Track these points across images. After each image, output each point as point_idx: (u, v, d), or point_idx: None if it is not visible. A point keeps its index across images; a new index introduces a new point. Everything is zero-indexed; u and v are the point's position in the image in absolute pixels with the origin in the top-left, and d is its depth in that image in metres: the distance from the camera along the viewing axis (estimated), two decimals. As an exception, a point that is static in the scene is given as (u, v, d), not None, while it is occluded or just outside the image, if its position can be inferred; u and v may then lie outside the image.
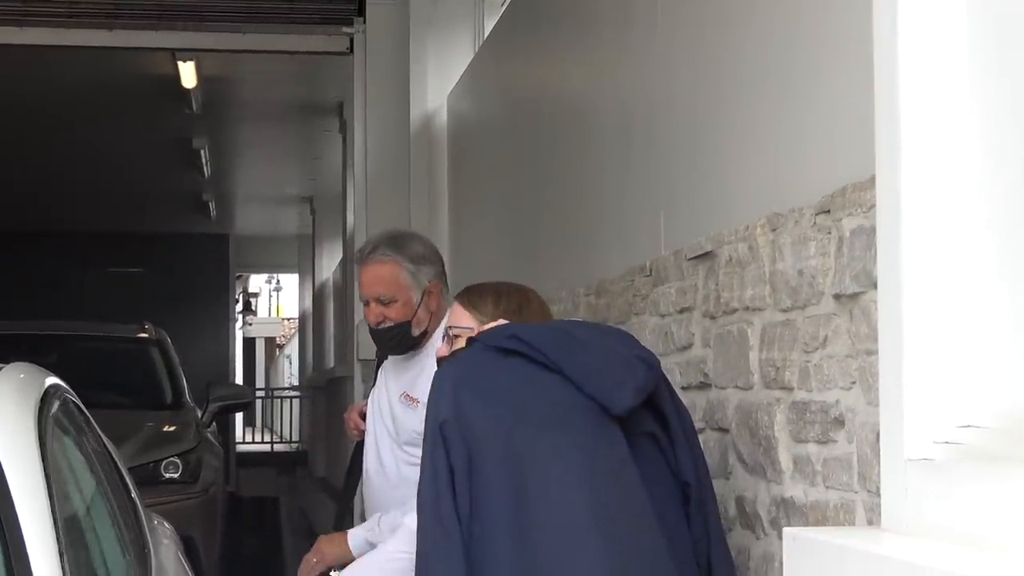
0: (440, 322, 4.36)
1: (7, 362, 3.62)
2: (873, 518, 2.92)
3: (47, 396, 3.52)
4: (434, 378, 3.34)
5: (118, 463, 4.41)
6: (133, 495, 4.39)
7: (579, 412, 3.22)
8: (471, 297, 3.72)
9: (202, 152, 17.24)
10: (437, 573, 3.14)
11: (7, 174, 18.56)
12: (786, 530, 2.56)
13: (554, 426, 3.20)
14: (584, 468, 3.17)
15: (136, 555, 3.73)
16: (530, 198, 6.94)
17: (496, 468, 3.16)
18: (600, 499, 3.15)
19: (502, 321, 3.55)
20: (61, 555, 2.78)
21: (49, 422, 3.37)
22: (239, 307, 32.65)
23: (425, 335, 4.44)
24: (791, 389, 3.43)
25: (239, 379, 29.44)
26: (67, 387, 3.97)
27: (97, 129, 15.99)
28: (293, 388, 31.95)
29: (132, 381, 10.25)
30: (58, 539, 2.81)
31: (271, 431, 30.36)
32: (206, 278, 24.39)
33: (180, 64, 12.80)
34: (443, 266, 4.54)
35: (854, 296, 3.08)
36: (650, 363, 3.33)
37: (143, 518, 4.27)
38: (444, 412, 3.20)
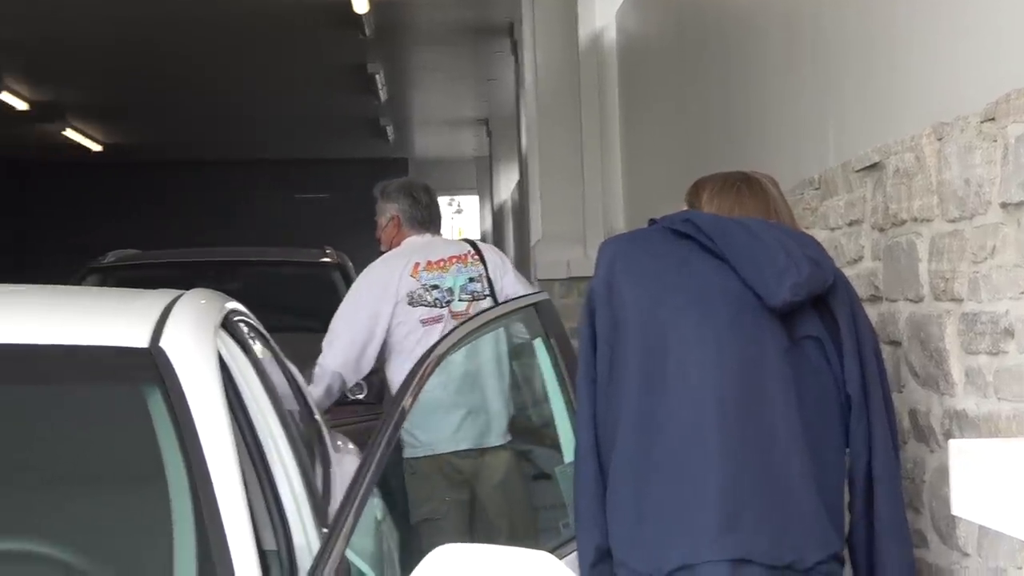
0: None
1: (191, 288, 3.74)
2: (1044, 428, 2.90)
3: (228, 321, 3.62)
4: (599, 248, 3.51)
5: (301, 386, 4.53)
6: (317, 417, 4.50)
7: (733, 303, 3.26)
8: (692, 193, 3.66)
9: (377, 77, 17.40)
10: (576, 429, 3.39)
11: (196, 105, 19.02)
12: (951, 442, 2.55)
13: (699, 312, 3.25)
14: (717, 359, 3.22)
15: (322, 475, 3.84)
16: (698, 112, 6.92)
17: (635, 339, 3.27)
18: (728, 393, 3.22)
19: None
20: (244, 481, 2.87)
21: (229, 346, 3.47)
22: (419, 230, 32.90)
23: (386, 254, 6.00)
24: (960, 300, 3.40)
25: (422, 301, 29.67)
26: (247, 312, 4.08)
27: (277, 58, 16.25)
28: (475, 308, 32.14)
29: (315, 305, 10.42)
30: (240, 463, 2.90)
31: (455, 350, 30.49)
32: (389, 202, 24.65)
33: (352, -11, 12.94)
34: (410, 205, 5.98)
35: (1021, 204, 3.04)
36: (820, 264, 3.30)
37: (327, 439, 4.38)
38: (595, 282, 3.36)
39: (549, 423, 3.84)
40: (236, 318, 3.79)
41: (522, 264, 14.61)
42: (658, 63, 8.32)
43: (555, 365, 3.70)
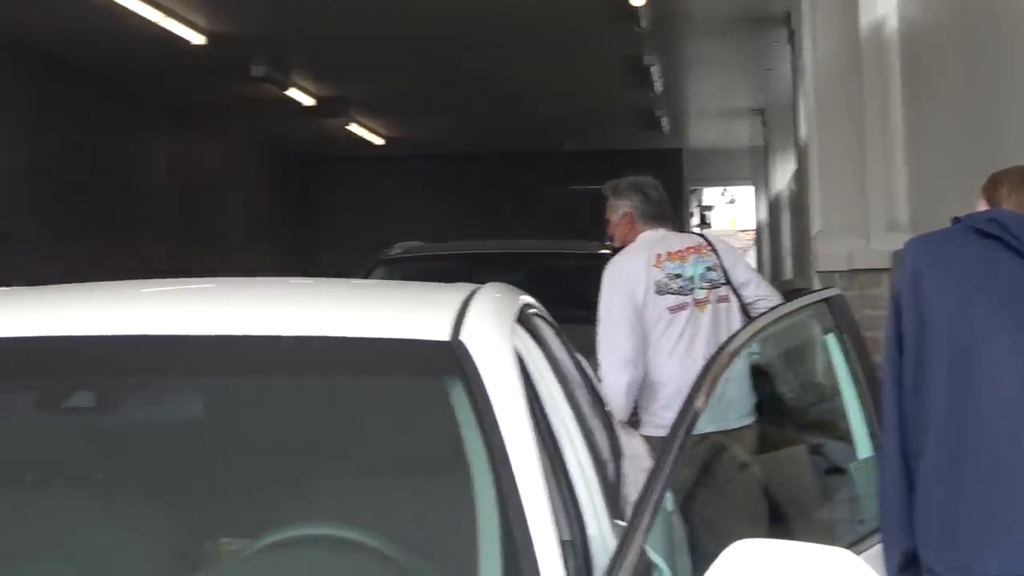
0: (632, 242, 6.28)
1: (479, 281, 3.82)
2: None
3: (522, 314, 3.69)
4: (902, 250, 3.50)
5: (591, 378, 4.59)
6: (607, 408, 4.55)
7: None
8: (989, 187, 3.63)
9: (652, 69, 17.42)
10: (882, 430, 3.37)
11: (475, 98, 19.34)
12: None
13: (1007, 313, 3.21)
14: None
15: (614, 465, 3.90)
16: (989, 102, 6.77)
17: (943, 340, 3.25)
18: None
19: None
20: (545, 472, 2.92)
21: (525, 340, 3.53)
22: (695, 220, 32.88)
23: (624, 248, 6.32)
24: None
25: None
26: (539, 305, 4.15)
27: (554, 51, 16.42)
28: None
29: (595, 296, 10.52)
30: (542, 458, 2.94)
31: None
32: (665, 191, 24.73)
33: (628, -18, 12.99)
34: (642, 201, 6.31)
35: None
36: None
37: (618, 430, 4.44)
38: (900, 284, 3.34)
39: (841, 419, 3.82)
40: (530, 311, 3.87)
41: (801, 255, 14.46)
42: (945, 51, 8.16)
43: (848, 361, 3.68)
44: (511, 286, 4.02)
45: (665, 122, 22.30)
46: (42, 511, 3.22)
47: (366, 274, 9.88)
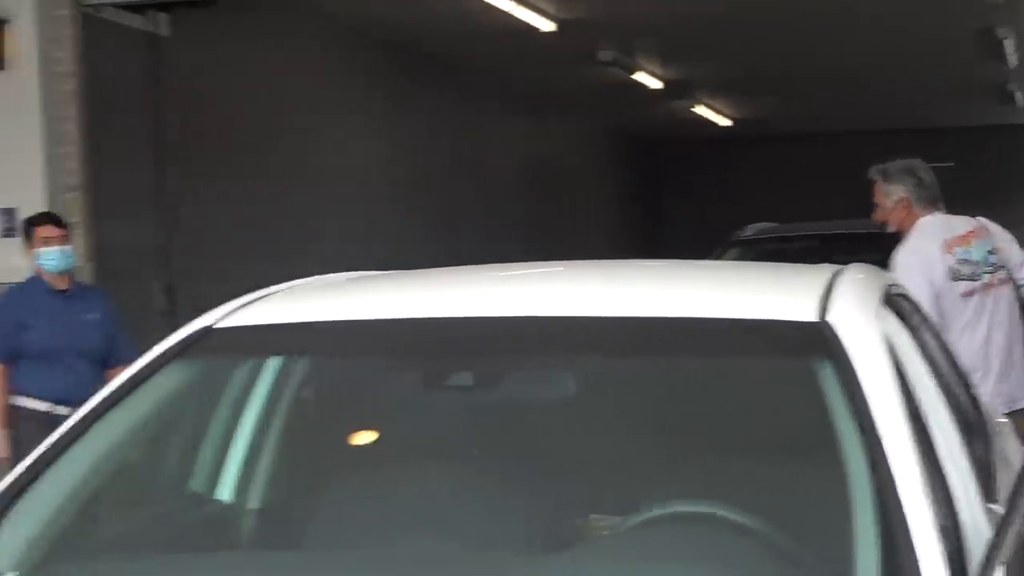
0: (910, 228, 6.17)
1: (834, 262, 3.80)
2: None
3: (887, 295, 3.65)
4: None
5: (954, 358, 4.50)
6: (972, 391, 4.47)
7: None
8: None
9: (1005, 42, 16.90)
10: None
11: (818, 79, 19.13)
12: None
13: None
14: None
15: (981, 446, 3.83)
16: None
17: None
18: None
19: None
20: (918, 456, 2.89)
21: (891, 320, 3.50)
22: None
23: (899, 235, 6.23)
24: None
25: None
26: (904, 286, 4.10)
27: (899, 28, 16.10)
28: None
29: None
30: (913, 438, 2.91)
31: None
32: (1017, 170, 23.98)
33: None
34: (916, 186, 6.21)
35: None
36: None
37: (986, 412, 4.34)
38: None
39: None
40: (894, 291, 3.82)
41: None
42: None
43: None
44: (874, 267, 3.98)
45: (1019, 96, 21.60)
46: (422, 485, 3.36)
47: (718, 256, 9.90)
